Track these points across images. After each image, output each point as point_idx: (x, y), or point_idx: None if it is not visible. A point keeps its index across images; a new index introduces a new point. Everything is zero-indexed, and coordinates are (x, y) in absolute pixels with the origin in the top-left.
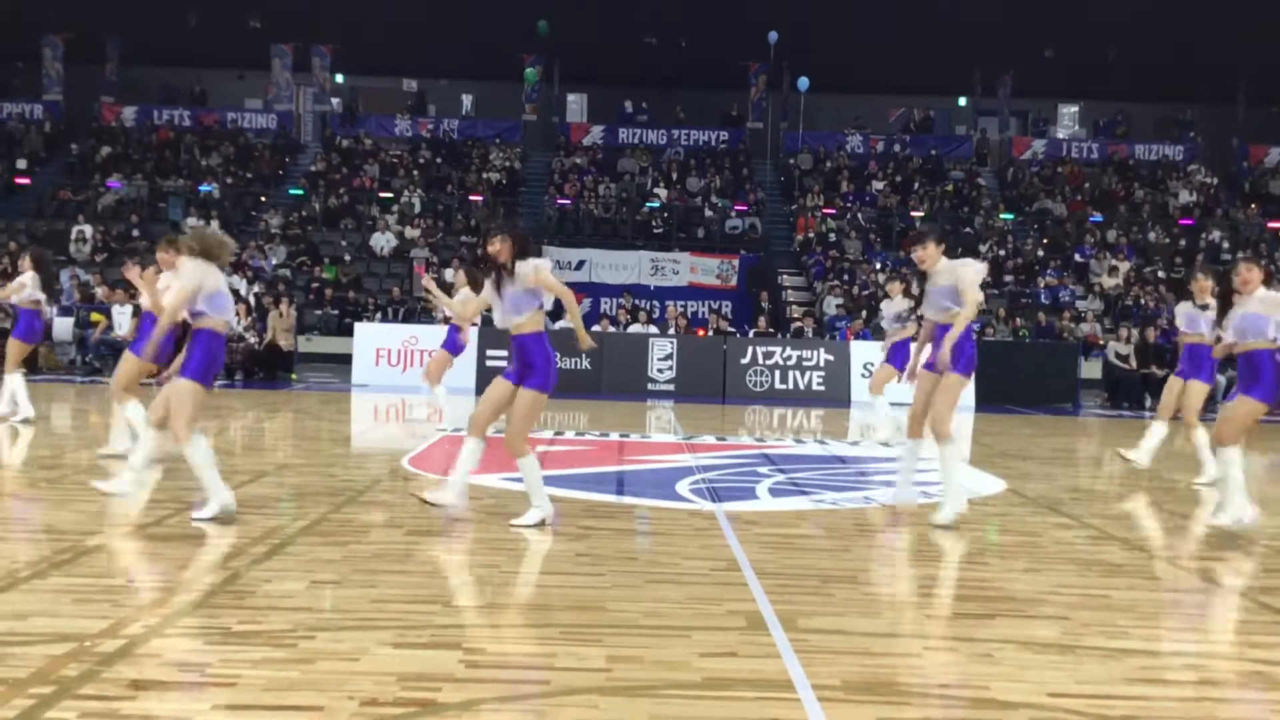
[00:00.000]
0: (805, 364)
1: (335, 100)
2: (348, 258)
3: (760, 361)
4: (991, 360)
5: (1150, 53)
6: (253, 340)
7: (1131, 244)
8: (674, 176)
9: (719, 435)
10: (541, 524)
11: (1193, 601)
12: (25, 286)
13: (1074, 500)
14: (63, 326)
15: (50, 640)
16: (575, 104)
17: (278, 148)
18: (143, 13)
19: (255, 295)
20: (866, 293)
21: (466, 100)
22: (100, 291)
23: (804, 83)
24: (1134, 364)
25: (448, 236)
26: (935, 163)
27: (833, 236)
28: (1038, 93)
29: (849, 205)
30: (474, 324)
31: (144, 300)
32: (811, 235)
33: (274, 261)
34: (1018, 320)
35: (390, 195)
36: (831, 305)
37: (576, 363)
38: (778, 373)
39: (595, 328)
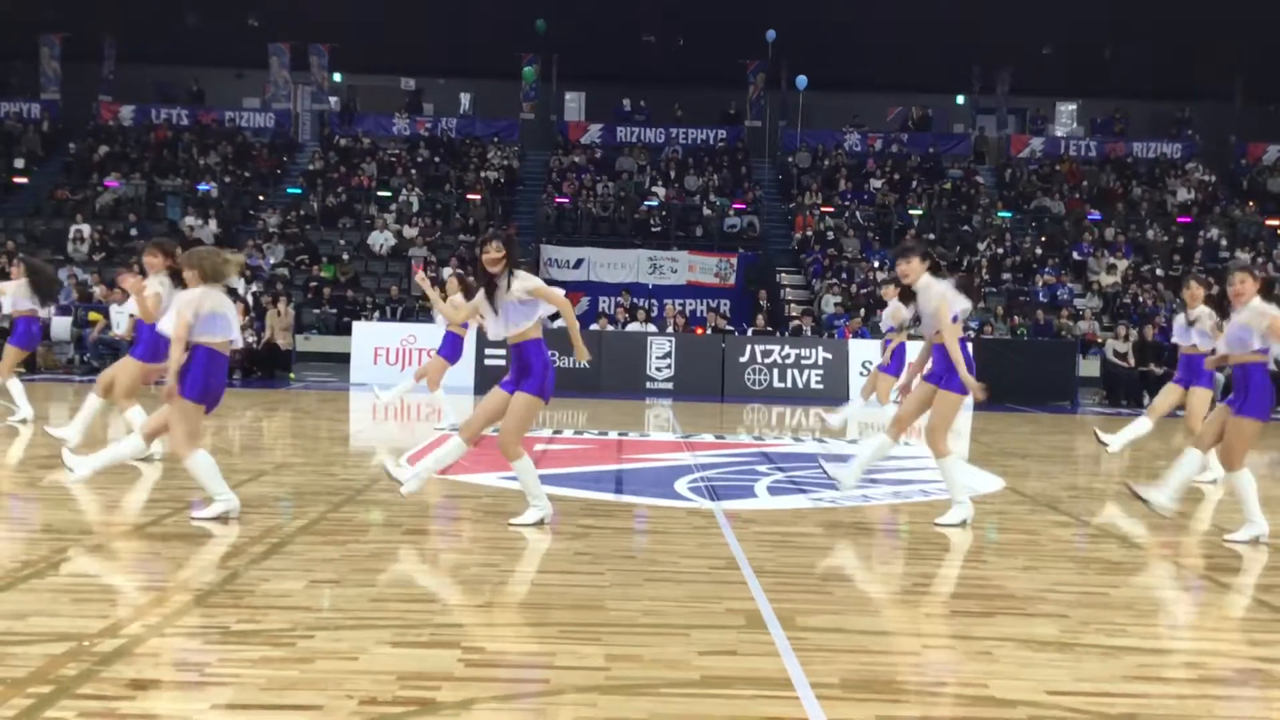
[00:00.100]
0: (804, 362)
1: (333, 99)
2: (346, 256)
3: (759, 360)
4: (990, 358)
5: (1148, 50)
6: (251, 339)
7: (1130, 242)
8: (672, 175)
9: (718, 434)
10: (540, 523)
11: (1191, 599)
12: (5, 294)
13: (1072, 498)
14: (61, 326)
15: (49, 640)
16: (573, 102)
17: (275, 146)
18: (140, 12)
19: (253, 294)
20: (865, 291)
21: (464, 99)
22: (98, 291)
23: (802, 81)
24: (1132, 362)
25: (446, 235)
26: (933, 161)
27: (831, 235)
28: (1036, 90)
29: (847, 203)
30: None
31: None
32: (810, 233)
33: (272, 260)
34: (1016, 318)
35: (388, 194)
36: (830, 303)
37: (575, 361)
38: (776, 371)
39: (594, 326)
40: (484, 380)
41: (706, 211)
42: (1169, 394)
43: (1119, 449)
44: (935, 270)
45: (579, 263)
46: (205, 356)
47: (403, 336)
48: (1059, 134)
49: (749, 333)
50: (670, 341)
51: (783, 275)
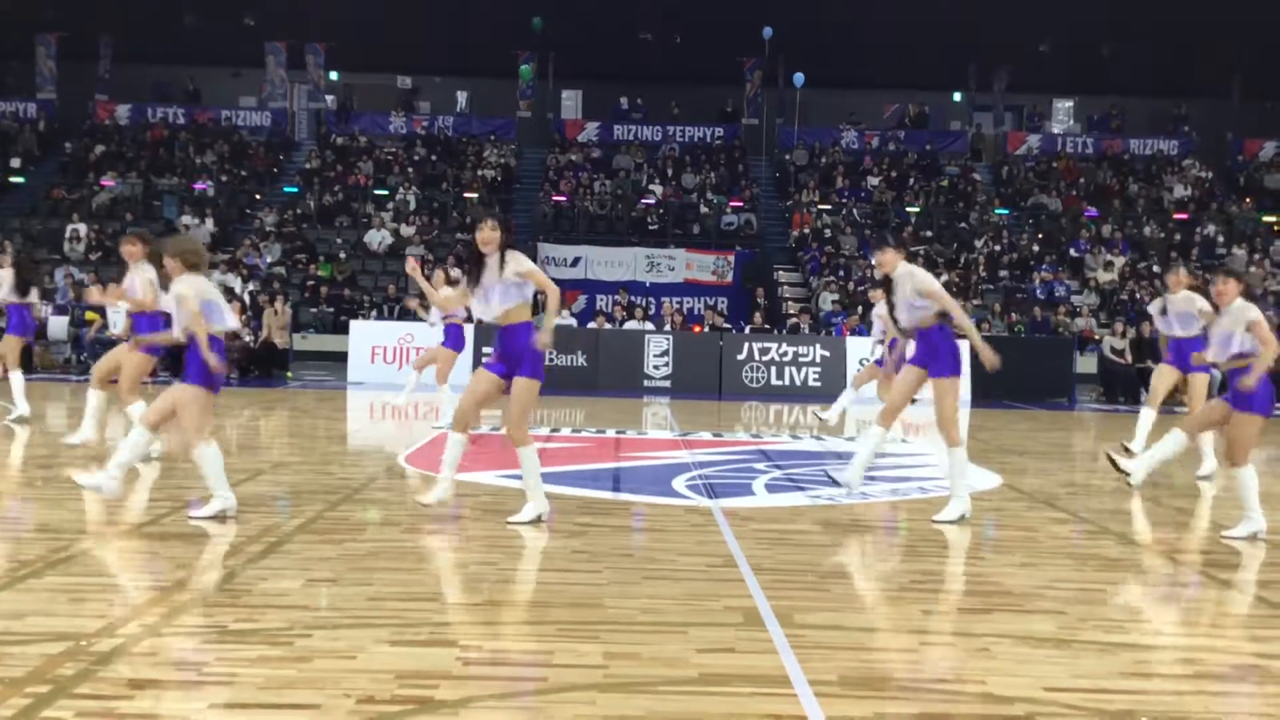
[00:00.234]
0: (801, 360)
1: (329, 97)
2: (343, 255)
3: (756, 357)
4: None
5: (1145, 47)
6: (248, 338)
7: (1126, 238)
8: (669, 173)
9: (715, 431)
10: (538, 520)
11: (1189, 595)
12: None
13: (1070, 495)
14: (57, 325)
15: (47, 639)
16: (570, 100)
17: (272, 145)
18: (136, 11)
19: (250, 293)
20: (862, 288)
21: (461, 97)
22: (94, 290)
23: (799, 78)
24: (1129, 358)
25: (443, 233)
26: (930, 158)
27: (828, 232)
28: (1033, 88)
29: (844, 201)
30: (464, 319)
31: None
32: (807, 231)
33: (269, 259)
34: (1013, 315)
35: (385, 192)
36: (827, 301)
37: (573, 359)
38: (774, 368)
39: (591, 324)
40: None
41: (704, 209)
42: (1164, 377)
43: (1143, 479)
44: (911, 260)
45: (576, 261)
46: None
47: (400, 335)
48: (1056, 131)
49: (747, 330)
50: (668, 339)
51: (780, 273)
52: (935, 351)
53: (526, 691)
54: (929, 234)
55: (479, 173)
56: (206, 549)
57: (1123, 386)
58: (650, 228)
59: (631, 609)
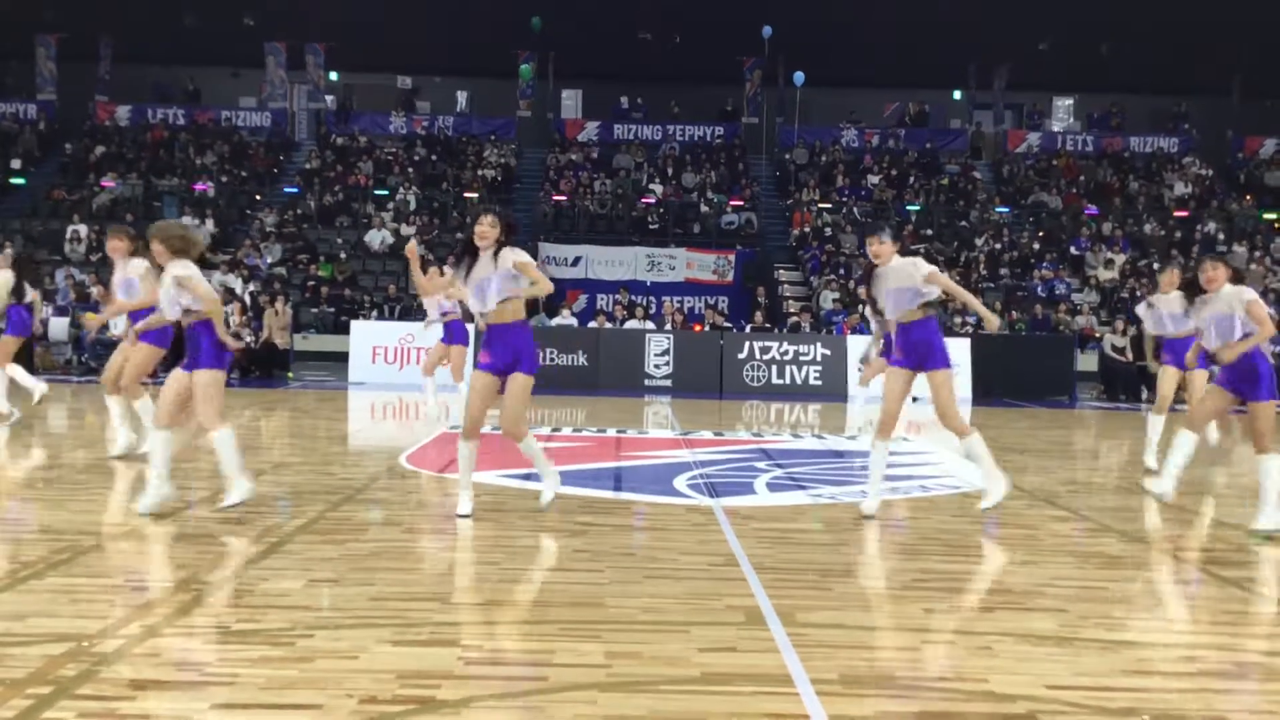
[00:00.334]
0: (802, 359)
1: (329, 98)
2: (343, 255)
3: (757, 356)
4: (988, 354)
5: (1145, 45)
6: (249, 339)
7: (1127, 236)
8: (669, 172)
9: (716, 430)
10: (554, 497)
11: (1190, 593)
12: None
13: (1071, 493)
14: (58, 326)
15: (48, 640)
16: (570, 100)
17: (272, 146)
18: (136, 12)
19: (251, 294)
20: (863, 287)
21: (461, 97)
22: (96, 291)
23: (799, 77)
24: (1130, 356)
25: (443, 233)
26: (930, 156)
27: (829, 231)
28: (1032, 86)
29: (845, 199)
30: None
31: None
32: (807, 230)
33: (269, 260)
34: (1014, 313)
35: (385, 192)
36: (828, 299)
37: (574, 359)
38: (775, 368)
39: (592, 324)
40: None
41: (704, 209)
42: (1168, 380)
43: (1173, 485)
44: (904, 253)
45: (577, 260)
46: (207, 327)
47: (401, 335)
48: (1056, 129)
49: (747, 329)
50: (669, 339)
51: (781, 272)
52: (929, 347)
53: (528, 691)
54: (929, 232)
55: (479, 173)
56: (207, 549)
57: (1123, 384)
58: (651, 227)
59: (633, 608)
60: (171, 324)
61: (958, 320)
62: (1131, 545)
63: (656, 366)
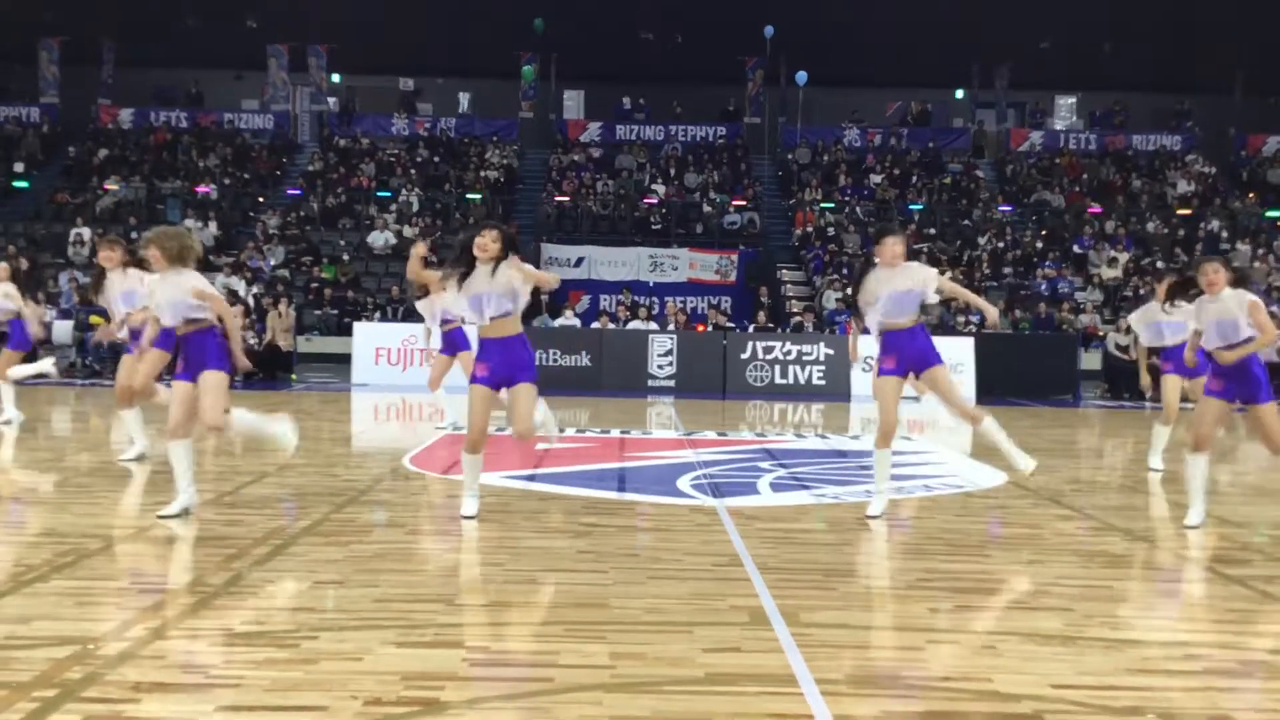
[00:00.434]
0: (805, 359)
1: (332, 100)
2: (346, 257)
3: (760, 356)
4: (991, 353)
5: (1147, 43)
6: (252, 341)
7: (1130, 234)
8: (672, 172)
9: (720, 431)
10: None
11: (1195, 591)
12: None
13: (1075, 492)
14: (62, 330)
15: (53, 643)
16: (572, 101)
17: (275, 148)
18: (139, 15)
19: (254, 296)
20: (853, 286)
21: (463, 98)
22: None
23: (802, 77)
24: (1134, 355)
25: (446, 235)
26: (933, 155)
27: (831, 230)
28: (1035, 84)
29: (847, 199)
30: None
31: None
32: (810, 229)
33: (272, 262)
34: (1017, 312)
35: (388, 194)
36: (831, 299)
37: (577, 360)
38: (778, 367)
39: (595, 325)
40: None
41: (707, 209)
42: (1173, 389)
43: (1201, 512)
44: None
45: (579, 261)
46: (217, 332)
47: (404, 337)
48: (1058, 127)
49: (750, 329)
50: (672, 339)
51: (783, 271)
52: (920, 352)
53: (532, 692)
54: (932, 231)
55: (481, 174)
56: (212, 552)
57: (1127, 383)
58: (653, 227)
59: (637, 609)
60: (169, 328)
61: (961, 320)
62: (1136, 544)
63: (660, 367)
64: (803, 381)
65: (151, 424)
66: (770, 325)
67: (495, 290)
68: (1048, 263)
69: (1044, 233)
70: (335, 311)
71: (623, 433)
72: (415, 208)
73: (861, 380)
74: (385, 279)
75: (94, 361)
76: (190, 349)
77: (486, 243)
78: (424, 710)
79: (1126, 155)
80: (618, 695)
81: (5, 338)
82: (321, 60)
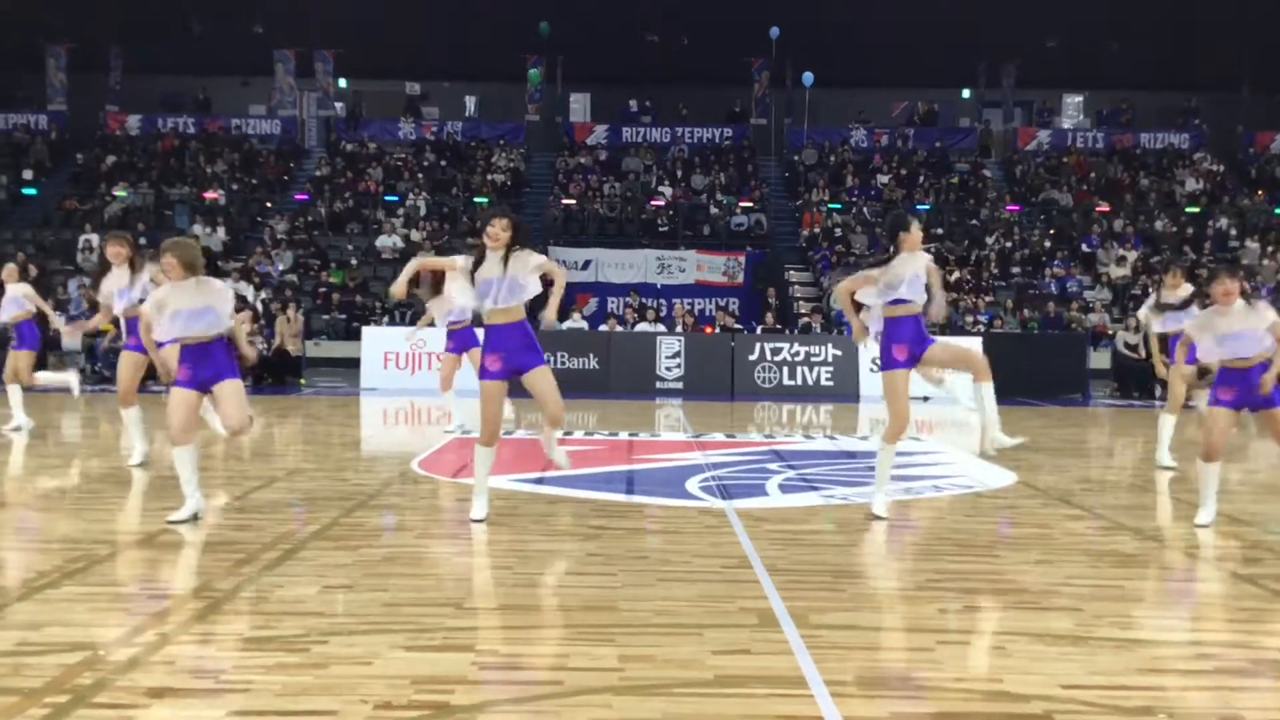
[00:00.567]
0: (813, 359)
1: (339, 104)
2: (354, 262)
3: (768, 358)
4: (1000, 352)
5: (1154, 41)
6: (261, 346)
7: (1138, 233)
8: (679, 174)
9: (728, 432)
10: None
11: (1206, 591)
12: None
13: (1085, 491)
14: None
15: (64, 649)
16: (578, 104)
17: (282, 153)
18: (145, 21)
19: (263, 301)
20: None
21: (469, 102)
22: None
23: (808, 77)
24: (1143, 353)
25: (453, 238)
26: (940, 155)
27: (839, 231)
28: (1042, 83)
29: (854, 199)
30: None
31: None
32: (817, 230)
33: (281, 267)
34: (1025, 312)
35: (395, 198)
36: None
37: (584, 362)
38: (786, 369)
39: (603, 327)
40: None
41: (714, 210)
42: (1178, 379)
43: (1212, 511)
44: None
45: (587, 264)
46: (223, 338)
47: (412, 340)
48: (1066, 126)
49: (758, 331)
50: (679, 341)
51: (791, 272)
52: (918, 335)
53: (542, 695)
54: (940, 231)
55: (488, 177)
56: (221, 556)
57: (1137, 381)
58: (660, 229)
59: (646, 611)
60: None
61: (969, 319)
62: (1146, 543)
63: (668, 369)
64: (811, 383)
65: (156, 427)
66: (778, 326)
67: (506, 279)
68: (1056, 262)
69: (1052, 232)
70: (343, 316)
71: (631, 435)
72: (423, 212)
73: (870, 381)
74: (393, 283)
75: (103, 368)
76: (194, 357)
77: (497, 231)
78: (434, 714)
79: (1134, 153)
80: (627, 698)
81: (20, 339)
82: (328, 65)
